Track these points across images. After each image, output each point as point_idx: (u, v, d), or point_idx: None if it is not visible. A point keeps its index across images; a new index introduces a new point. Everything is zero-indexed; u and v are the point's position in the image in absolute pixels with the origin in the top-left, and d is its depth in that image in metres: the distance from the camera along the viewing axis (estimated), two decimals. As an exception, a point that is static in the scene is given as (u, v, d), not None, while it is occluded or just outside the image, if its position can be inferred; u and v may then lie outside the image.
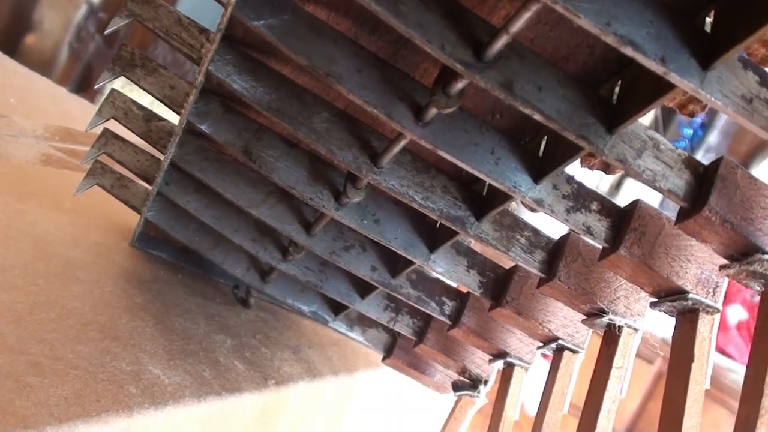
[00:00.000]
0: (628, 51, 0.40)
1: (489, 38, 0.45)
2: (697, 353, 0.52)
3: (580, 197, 0.54)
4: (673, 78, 0.40)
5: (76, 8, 2.48)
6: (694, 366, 0.52)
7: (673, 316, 0.55)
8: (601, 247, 0.55)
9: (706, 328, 0.53)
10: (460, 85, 0.48)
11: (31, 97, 1.30)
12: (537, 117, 0.46)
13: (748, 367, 0.47)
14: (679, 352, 0.53)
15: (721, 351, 2.87)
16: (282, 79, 0.57)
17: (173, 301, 0.83)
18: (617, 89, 0.48)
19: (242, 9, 0.50)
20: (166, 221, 0.79)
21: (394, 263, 0.70)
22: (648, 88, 0.44)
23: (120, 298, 0.78)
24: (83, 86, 2.32)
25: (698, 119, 3.02)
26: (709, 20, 0.43)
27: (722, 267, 0.49)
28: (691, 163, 0.48)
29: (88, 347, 0.67)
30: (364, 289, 0.75)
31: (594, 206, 0.54)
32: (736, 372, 2.81)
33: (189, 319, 0.80)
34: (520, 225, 0.59)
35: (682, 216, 0.48)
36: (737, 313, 2.90)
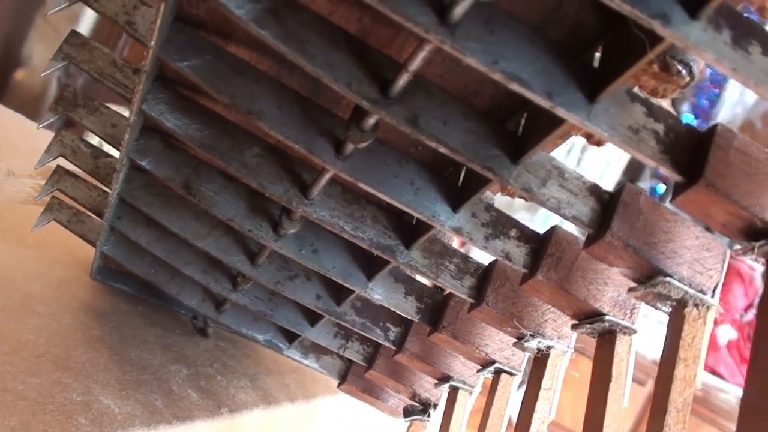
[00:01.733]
0: (515, 87, 0.42)
1: (394, 75, 0.47)
2: (615, 373, 0.54)
3: (499, 225, 0.56)
4: (560, 111, 0.42)
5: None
6: (612, 385, 0.54)
7: (594, 337, 0.56)
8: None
9: (623, 348, 0.54)
10: (372, 120, 0.50)
11: (3, 135, 1.32)
12: (443, 150, 0.48)
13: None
14: (599, 372, 0.55)
15: (712, 371, 2.88)
16: (214, 115, 0.59)
17: (131, 333, 0.84)
18: (523, 121, 0.50)
19: (166, 50, 0.52)
20: (122, 254, 0.81)
21: (339, 291, 0.72)
22: (546, 121, 0.46)
23: (77, 331, 0.80)
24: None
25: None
26: (598, 55, 0.45)
27: (630, 290, 0.51)
28: (596, 191, 0.50)
29: (40, 379, 0.69)
30: (313, 317, 0.77)
31: (513, 233, 0.56)
32: (727, 392, 2.82)
33: (145, 349, 0.82)
34: (449, 252, 0.61)
35: (589, 241, 0.50)
36: (727, 334, 2.91)
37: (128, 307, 0.89)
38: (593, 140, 0.55)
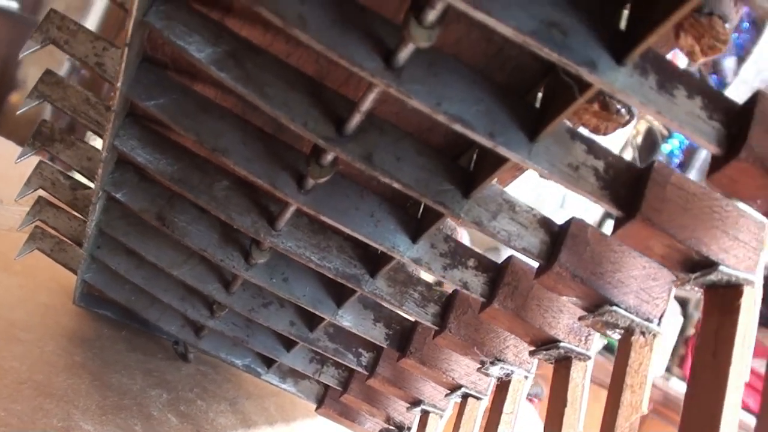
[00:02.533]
0: (458, 128, 0.44)
1: (348, 114, 0.49)
2: (570, 398, 0.56)
3: (457, 255, 0.57)
4: (502, 150, 0.44)
5: (59, 65, 2.54)
6: (567, 410, 0.55)
7: (551, 363, 0.58)
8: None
9: (578, 374, 0.56)
10: (330, 156, 0.52)
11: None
12: (396, 185, 0.50)
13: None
14: (555, 396, 0.57)
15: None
16: (184, 150, 0.61)
17: (113, 358, 0.86)
18: (474, 157, 0.52)
19: (134, 90, 0.55)
20: (103, 282, 0.82)
21: (312, 317, 0.73)
22: (494, 157, 0.48)
23: (60, 357, 0.82)
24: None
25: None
26: (540, 96, 0.47)
27: (580, 318, 0.53)
28: (546, 223, 0.52)
29: (21, 405, 0.71)
30: (288, 342, 0.79)
31: (471, 263, 0.58)
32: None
33: (126, 375, 0.84)
34: (413, 280, 0.63)
35: (539, 272, 0.52)
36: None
37: (111, 332, 0.90)
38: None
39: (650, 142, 2.93)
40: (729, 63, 2.91)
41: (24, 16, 2.46)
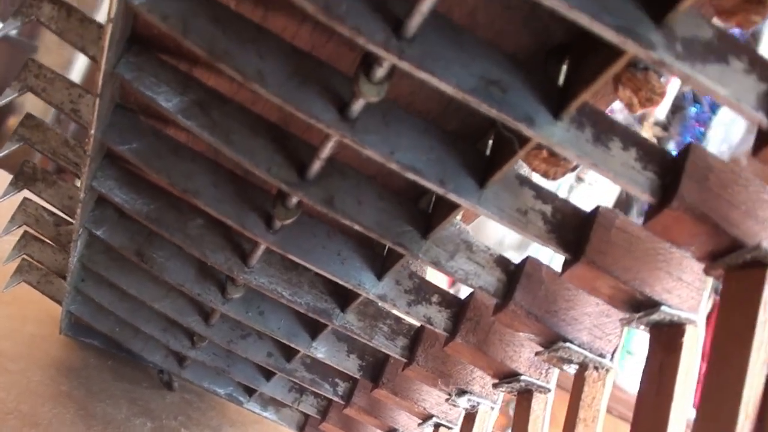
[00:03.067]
0: (411, 175, 0.46)
1: (310, 160, 0.51)
2: (531, 430, 0.57)
3: (422, 291, 0.60)
4: (452, 197, 0.47)
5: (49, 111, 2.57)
6: (529, 442, 0.57)
7: (514, 395, 0.60)
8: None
9: (539, 406, 0.58)
10: (294, 199, 0.54)
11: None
12: (357, 227, 0.52)
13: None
14: (518, 428, 0.58)
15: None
16: (160, 190, 0.63)
17: (99, 387, 0.88)
18: (433, 199, 0.54)
19: (108, 135, 0.57)
20: (88, 313, 0.85)
21: (288, 348, 0.75)
22: (448, 201, 0.50)
23: (46, 387, 0.84)
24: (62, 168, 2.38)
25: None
26: (491, 142, 0.49)
27: (537, 353, 0.55)
28: (502, 262, 0.54)
29: (6, 436, 0.73)
30: (267, 372, 0.81)
31: (434, 299, 0.60)
32: None
33: (111, 404, 0.86)
34: (382, 314, 0.65)
35: (496, 309, 0.54)
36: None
37: (98, 361, 0.92)
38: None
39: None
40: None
41: (22, 40, 2.49)
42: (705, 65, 0.35)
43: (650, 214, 0.43)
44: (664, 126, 2.92)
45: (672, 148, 2.88)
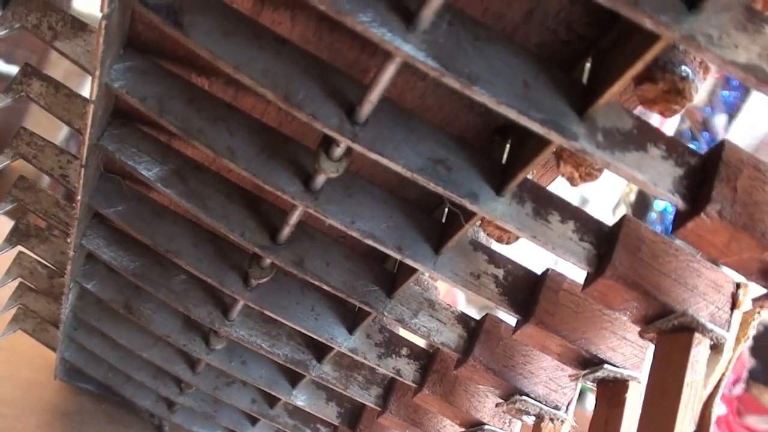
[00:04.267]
0: (370, 242, 0.50)
1: (281, 225, 0.54)
2: (495, 477, 0.60)
3: (391, 344, 0.63)
4: (409, 262, 0.50)
5: (59, 129, 2.62)
6: (492, 489, 0.60)
7: (480, 444, 0.63)
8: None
9: (503, 454, 0.61)
10: (268, 260, 0.57)
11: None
12: (326, 287, 0.56)
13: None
14: (482, 476, 0.61)
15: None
16: (145, 247, 0.67)
17: (92, 430, 0.91)
18: (398, 261, 0.57)
19: (95, 198, 0.60)
20: (82, 360, 0.88)
21: (271, 395, 0.79)
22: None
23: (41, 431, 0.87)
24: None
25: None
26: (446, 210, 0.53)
27: (497, 404, 0.58)
28: (463, 319, 0.58)
29: (0, 482, 0.76)
30: (253, 417, 0.84)
31: (404, 351, 0.63)
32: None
33: (104, 447, 0.89)
34: (357, 365, 0.68)
35: (457, 364, 0.57)
36: (716, 409, 2.92)
37: (92, 405, 0.96)
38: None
39: (643, 199, 2.98)
40: (720, 120, 2.97)
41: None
42: (624, 153, 0.39)
43: (587, 281, 0.46)
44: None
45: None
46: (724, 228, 0.38)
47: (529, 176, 0.53)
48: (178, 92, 0.50)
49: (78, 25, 0.51)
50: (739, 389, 2.84)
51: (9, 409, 0.87)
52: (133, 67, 0.49)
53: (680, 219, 0.40)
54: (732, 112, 2.94)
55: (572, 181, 0.49)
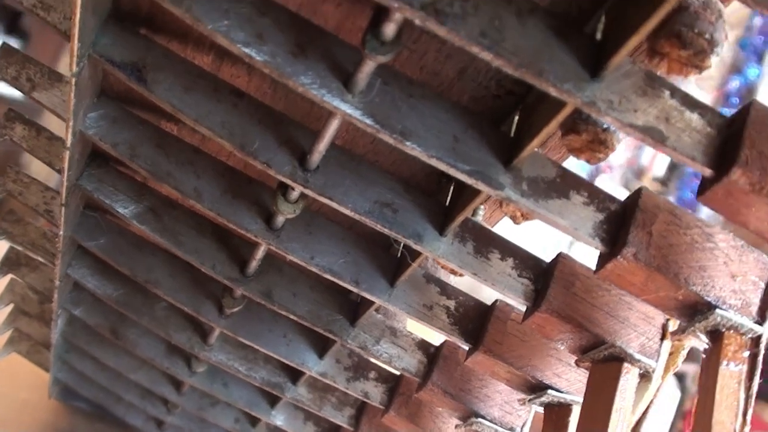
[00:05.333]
0: (329, 276, 0.53)
1: (249, 258, 0.58)
2: (458, 495, 0.64)
3: (360, 368, 0.66)
4: (366, 294, 0.53)
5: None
6: (455, 506, 0.63)
7: (445, 462, 0.66)
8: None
9: (465, 472, 0.64)
10: (239, 292, 0.61)
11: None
12: (292, 317, 0.59)
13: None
14: (446, 494, 0.65)
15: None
16: (128, 276, 0.70)
17: (85, 449, 0.95)
18: (361, 290, 0.61)
19: (77, 232, 0.64)
20: (74, 380, 0.92)
21: (253, 415, 0.82)
22: (370, 294, 0.57)
23: (35, 450, 0.91)
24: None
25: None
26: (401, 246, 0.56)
27: (456, 426, 0.61)
28: (423, 345, 0.61)
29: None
30: (238, 435, 0.87)
31: (371, 375, 0.66)
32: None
33: (96, 465, 0.92)
34: (331, 387, 0.72)
35: (418, 388, 0.60)
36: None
37: (85, 424, 0.99)
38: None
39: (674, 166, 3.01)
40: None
41: (25, 103, 2.58)
42: (547, 201, 0.42)
43: (526, 314, 0.49)
44: (663, 182, 2.99)
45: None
46: (640, 269, 0.42)
47: (481, 211, 0.56)
48: (148, 137, 0.53)
49: (55, 76, 0.54)
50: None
51: (4, 428, 0.91)
52: (106, 115, 0.53)
53: (601, 261, 0.43)
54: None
55: (515, 220, 0.52)
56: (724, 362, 0.41)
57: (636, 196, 0.43)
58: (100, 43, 0.46)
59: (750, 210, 0.37)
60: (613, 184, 2.82)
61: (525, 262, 0.49)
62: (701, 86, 3.13)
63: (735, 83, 3.07)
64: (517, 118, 0.44)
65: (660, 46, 0.38)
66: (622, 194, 0.43)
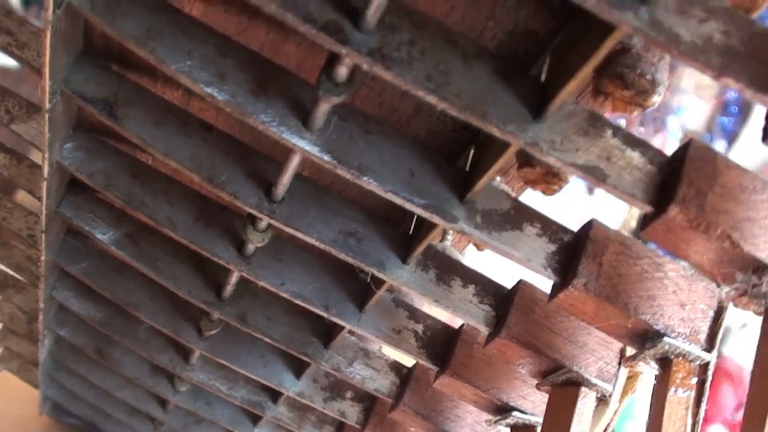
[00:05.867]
0: (299, 302, 0.55)
1: (224, 282, 0.59)
2: None
3: (336, 388, 0.68)
4: (335, 319, 0.55)
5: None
6: None
7: (420, 480, 0.68)
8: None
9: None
10: (216, 315, 0.62)
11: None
12: (267, 340, 0.60)
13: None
14: None
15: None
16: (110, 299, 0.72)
17: (75, 465, 0.96)
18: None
19: (60, 256, 0.66)
20: (64, 397, 0.93)
21: (238, 432, 0.83)
22: (342, 317, 0.58)
23: (26, 466, 0.92)
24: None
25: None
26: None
27: (429, 446, 0.62)
28: (396, 367, 0.62)
29: None
30: (223, 452, 0.89)
31: (348, 395, 0.68)
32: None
33: (86, 481, 0.94)
34: (310, 408, 0.73)
35: (390, 409, 0.62)
36: (719, 434, 2.94)
37: (76, 440, 1.01)
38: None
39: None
40: (719, 147, 3.00)
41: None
42: (501, 233, 0.44)
43: (488, 339, 0.51)
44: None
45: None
46: (590, 299, 0.43)
47: (450, 236, 0.58)
48: (123, 167, 0.55)
49: (33, 108, 0.56)
50: (741, 415, 2.84)
51: (-5, 444, 0.92)
52: (82, 146, 0.55)
53: (554, 290, 0.44)
54: (731, 138, 2.97)
55: (478, 247, 0.54)
56: (673, 388, 0.43)
57: (587, 227, 0.44)
58: (73, 79, 0.48)
59: (689, 245, 0.38)
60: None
61: (486, 288, 0.51)
62: (700, 95, 3.15)
63: (733, 92, 3.09)
64: (472, 152, 0.46)
65: (604, 87, 0.39)
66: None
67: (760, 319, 0.40)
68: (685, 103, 3.10)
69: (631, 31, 0.31)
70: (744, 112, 2.91)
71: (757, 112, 2.75)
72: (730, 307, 0.45)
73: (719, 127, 3.02)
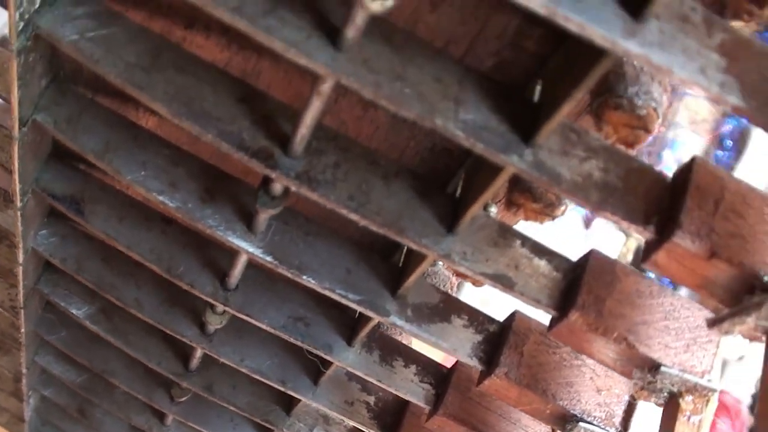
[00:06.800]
0: (258, 377, 0.59)
1: (190, 355, 0.63)
2: None
3: None
4: (291, 393, 0.59)
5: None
6: None
7: None
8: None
9: None
10: (184, 383, 0.66)
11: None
12: (232, 408, 0.64)
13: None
14: None
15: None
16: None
17: None
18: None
19: (39, 327, 0.70)
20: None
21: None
22: (301, 388, 0.62)
23: None
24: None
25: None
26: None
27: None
28: (355, 430, 0.66)
29: None
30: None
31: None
32: None
33: None
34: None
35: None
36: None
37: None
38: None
39: (639, 259, 3.03)
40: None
41: None
42: (430, 325, 0.48)
43: (428, 416, 0.54)
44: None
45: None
46: (512, 386, 0.47)
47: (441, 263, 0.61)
48: (94, 252, 0.59)
49: (8, 199, 0.60)
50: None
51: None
52: (56, 233, 0.59)
53: (481, 377, 0.48)
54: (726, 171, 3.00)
55: (474, 283, 0.57)
56: (589, 468, 0.46)
57: (510, 319, 0.48)
58: (43, 178, 0.52)
59: (591, 345, 0.42)
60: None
61: (426, 368, 0.55)
62: (696, 130, 3.19)
63: (728, 126, 3.13)
64: (404, 251, 0.50)
65: (516, 199, 0.43)
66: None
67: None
68: (681, 138, 3.13)
69: (516, 171, 0.35)
70: (739, 146, 2.95)
71: (752, 147, 2.80)
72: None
73: (714, 161, 3.06)
